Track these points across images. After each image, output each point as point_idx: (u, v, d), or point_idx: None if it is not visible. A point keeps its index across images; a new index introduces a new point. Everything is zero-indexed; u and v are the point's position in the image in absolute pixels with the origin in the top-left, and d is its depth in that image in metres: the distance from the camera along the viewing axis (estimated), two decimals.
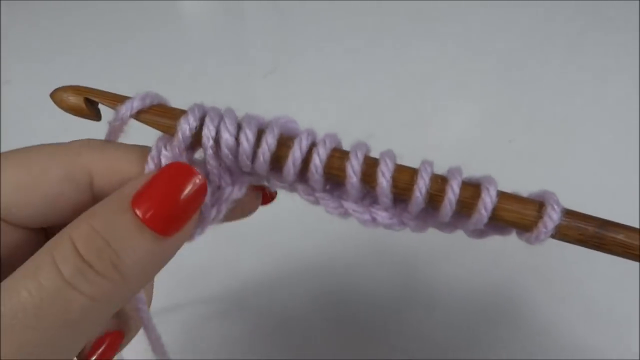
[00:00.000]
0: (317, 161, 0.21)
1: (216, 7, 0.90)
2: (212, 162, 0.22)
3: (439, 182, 0.21)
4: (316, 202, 0.23)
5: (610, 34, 0.78)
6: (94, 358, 0.25)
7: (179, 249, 0.21)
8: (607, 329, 0.44)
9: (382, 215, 0.22)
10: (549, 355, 0.43)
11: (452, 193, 0.20)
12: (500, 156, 0.60)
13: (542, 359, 0.43)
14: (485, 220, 0.20)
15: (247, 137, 0.21)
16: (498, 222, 0.21)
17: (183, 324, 0.46)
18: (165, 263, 0.21)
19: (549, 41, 0.77)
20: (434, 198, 0.21)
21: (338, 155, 0.22)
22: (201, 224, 0.23)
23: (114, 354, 0.27)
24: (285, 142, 0.22)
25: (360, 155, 0.21)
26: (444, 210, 0.20)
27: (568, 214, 0.21)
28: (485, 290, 0.47)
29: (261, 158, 0.21)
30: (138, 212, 0.19)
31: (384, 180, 0.20)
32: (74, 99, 0.23)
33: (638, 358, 0.42)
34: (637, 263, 0.21)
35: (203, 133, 0.22)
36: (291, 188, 0.23)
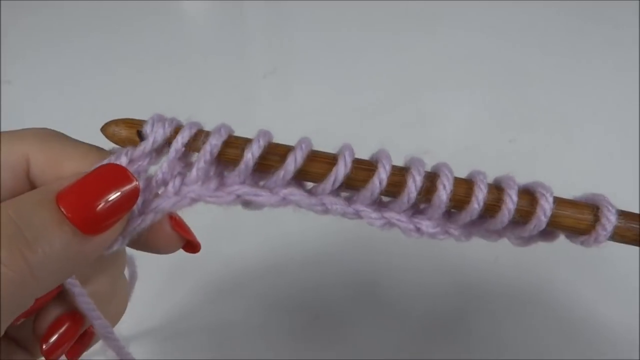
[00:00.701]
0: (377, 182, 0.21)
1: (216, 7, 0.90)
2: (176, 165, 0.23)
3: (496, 192, 0.21)
4: (356, 215, 0.23)
5: (610, 34, 0.77)
6: (51, 341, 0.24)
7: (98, 253, 0.21)
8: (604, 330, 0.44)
9: (426, 224, 0.22)
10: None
11: (511, 202, 0.20)
12: (500, 156, 0.60)
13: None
14: (544, 226, 0.21)
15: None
16: (555, 228, 0.21)
17: (177, 309, 0.46)
18: (81, 265, 0.21)
19: (549, 41, 0.77)
20: (491, 208, 0.21)
21: (397, 173, 0.22)
22: (124, 232, 0.22)
23: (82, 347, 0.26)
24: (367, 166, 0.22)
25: (422, 170, 0.21)
26: (501, 219, 0.21)
27: (623, 215, 0.21)
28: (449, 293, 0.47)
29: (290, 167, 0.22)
30: (62, 207, 0.19)
31: (444, 193, 0.21)
32: (126, 133, 0.23)
33: (638, 358, 0.42)
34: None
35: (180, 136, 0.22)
36: (323, 209, 0.23)
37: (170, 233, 0.25)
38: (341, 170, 0.21)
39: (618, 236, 0.21)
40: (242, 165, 0.22)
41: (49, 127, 0.24)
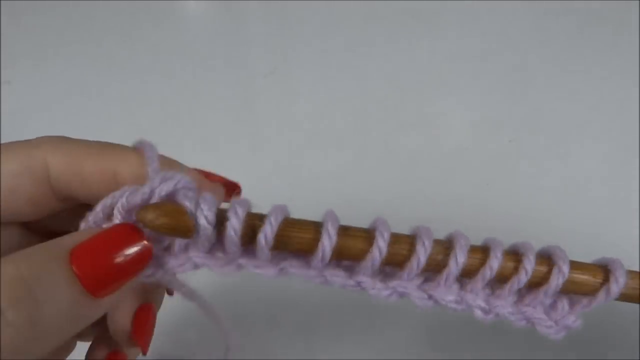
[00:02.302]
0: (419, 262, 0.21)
1: (216, 7, 0.90)
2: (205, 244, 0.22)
3: (514, 260, 0.21)
4: (360, 287, 0.22)
5: (610, 34, 0.77)
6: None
7: (101, 314, 0.21)
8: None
9: (441, 291, 0.22)
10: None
11: (525, 274, 0.21)
12: (500, 156, 0.60)
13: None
14: (555, 293, 0.22)
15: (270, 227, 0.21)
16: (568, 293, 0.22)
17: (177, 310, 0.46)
18: (86, 324, 0.20)
19: (549, 41, 0.77)
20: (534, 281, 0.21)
21: (400, 244, 0.22)
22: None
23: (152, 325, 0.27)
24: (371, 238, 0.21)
25: (428, 248, 0.21)
26: (512, 287, 0.21)
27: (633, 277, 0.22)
28: None
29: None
30: (74, 266, 0.18)
31: (455, 265, 0.21)
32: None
33: (638, 358, 0.42)
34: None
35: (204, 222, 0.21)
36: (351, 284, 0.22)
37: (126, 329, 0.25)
38: (327, 246, 0.20)
39: (623, 298, 0.22)
40: (259, 251, 0.21)
41: (63, 135, 0.24)
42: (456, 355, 0.44)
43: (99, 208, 0.22)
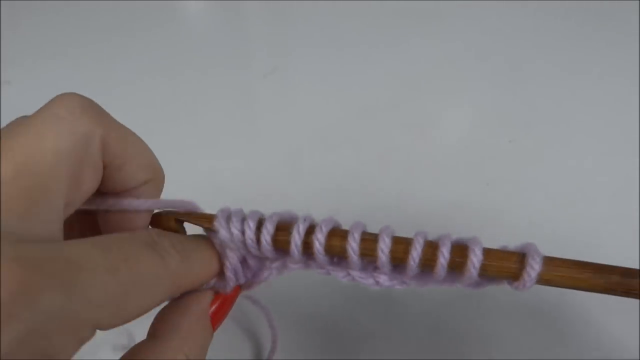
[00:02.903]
0: (317, 245, 0.24)
1: (216, 7, 0.90)
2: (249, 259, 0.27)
3: (431, 250, 0.24)
4: (327, 273, 0.26)
5: (610, 34, 0.77)
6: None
7: None
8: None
9: (383, 278, 0.25)
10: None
11: (443, 259, 0.23)
12: (500, 156, 0.60)
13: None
14: (476, 277, 0.23)
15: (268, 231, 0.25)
16: (488, 277, 0.24)
17: None
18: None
19: (549, 41, 0.77)
20: (428, 263, 0.24)
21: (339, 236, 0.25)
22: None
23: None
24: (286, 228, 0.25)
25: (357, 236, 0.24)
26: (438, 273, 0.24)
27: (548, 262, 0.23)
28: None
29: (265, 244, 0.25)
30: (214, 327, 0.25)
31: (383, 255, 0.24)
32: (166, 223, 0.27)
33: (638, 358, 0.42)
34: None
35: (246, 235, 0.25)
36: (306, 266, 0.26)
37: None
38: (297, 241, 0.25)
39: (543, 281, 0.23)
40: (318, 259, 0.25)
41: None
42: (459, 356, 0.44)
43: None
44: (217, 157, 0.60)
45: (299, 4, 0.86)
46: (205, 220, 0.26)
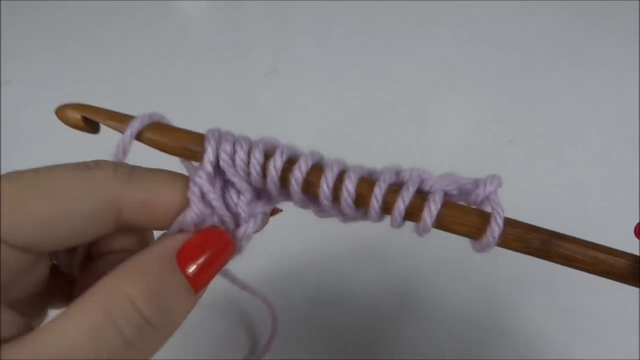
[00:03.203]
0: (297, 175, 0.23)
1: (216, 7, 0.90)
2: (242, 185, 0.23)
3: (393, 194, 0.23)
4: (306, 207, 0.25)
5: (610, 34, 0.78)
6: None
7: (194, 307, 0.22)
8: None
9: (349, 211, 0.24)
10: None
11: (403, 203, 0.22)
12: (500, 156, 0.60)
13: None
14: (430, 228, 0.22)
15: (276, 163, 0.23)
16: (445, 230, 0.23)
17: None
18: (185, 317, 0.22)
19: (548, 41, 0.77)
20: (387, 207, 0.23)
21: (366, 182, 0.24)
22: None
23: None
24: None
25: (355, 178, 0.23)
26: (394, 219, 0.23)
27: (512, 225, 0.22)
28: (478, 300, 0.47)
29: (272, 173, 0.23)
30: (183, 271, 0.20)
31: (376, 203, 0.23)
32: (72, 116, 0.24)
33: (638, 358, 0.42)
34: None
35: (237, 156, 0.23)
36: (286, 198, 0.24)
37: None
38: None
39: (504, 244, 0.22)
40: (294, 192, 0.23)
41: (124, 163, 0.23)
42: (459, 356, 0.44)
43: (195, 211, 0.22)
44: None
45: (299, 4, 0.86)
46: (167, 132, 0.24)
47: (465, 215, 0.22)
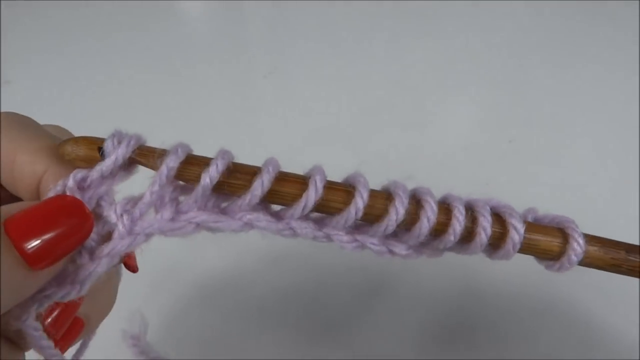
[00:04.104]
0: (360, 204, 0.21)
1: (216, 7, 0.90)
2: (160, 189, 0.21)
3: (470, 217, 0.21)
4: (328, 239, 0.22)
5: (610, 34, 0.77)
6: (48, 320, 0.22)
7: (38, 287, 0.20)
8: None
9: (399, 247, 0.22)
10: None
11: (484, 233, 0.21)
12: (500, 156, 0.60)
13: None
14: (515, 252, 0.21)
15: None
16: (528, 253, 0.21)
17: (162, 316, 0.45)
18: (24, 296, 0.19)
19: (548, 41, 0.77)
20: (467, 235, 0.21)
21: (378, 198, 0.21)
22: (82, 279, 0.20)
23: (75, 333, 0.24)
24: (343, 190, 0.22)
25: (405, 202, 0.21)
26: (474, 247, 0.21)
27: (594, 240, 0.21)
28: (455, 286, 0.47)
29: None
30: (10, 235, 0.18)
31: (427, 226, 0.21)
32: (84, 151, 0.21)
33: (638, 358, 0.42)
34: None
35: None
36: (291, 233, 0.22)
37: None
38: (312, 197, 0.21)
39: (586, 262, 0.21)
40: (199, 190, 0.21)
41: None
42: (457, 355, 0.44)
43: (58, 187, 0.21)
44: None
45: (299, 4, 0.86)
46: None
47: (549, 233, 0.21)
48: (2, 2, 0.85)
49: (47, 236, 0.18)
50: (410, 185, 0.22)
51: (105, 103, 0.66)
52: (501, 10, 0.82)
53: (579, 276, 0.48)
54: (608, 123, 0.63)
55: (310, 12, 0.85)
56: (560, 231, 0.21)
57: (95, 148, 0.21)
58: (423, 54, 0.75)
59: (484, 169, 0.58)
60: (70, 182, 0.21)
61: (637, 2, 0.81)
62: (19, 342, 0.22)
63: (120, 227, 0.21)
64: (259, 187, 0.21)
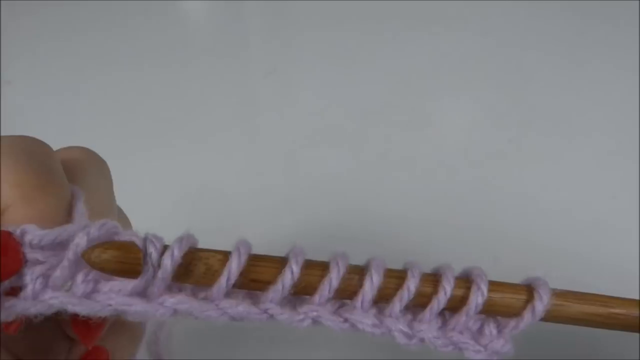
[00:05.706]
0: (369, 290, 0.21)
1: (216, 7, 0.90)
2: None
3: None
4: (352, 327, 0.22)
5: (610, 34, 0.77)
6: None
7: None
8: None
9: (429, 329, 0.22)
10: None
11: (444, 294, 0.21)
12: (500, 156, 0.60)
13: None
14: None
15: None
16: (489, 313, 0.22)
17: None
18: None
19: (548, 41, 0.77)
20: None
21: (394, 276, 0.21)
22: None
23: None
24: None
25: (418, 275, 0.21)
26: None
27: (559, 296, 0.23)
28: None
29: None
30: None
31: (444, 298, 0.21)
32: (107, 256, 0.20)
33: (638, 358, 0.42)
34: None
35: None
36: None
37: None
38: (234, 269, 0.20)
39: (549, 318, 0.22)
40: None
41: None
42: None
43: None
44: (216, 157, 0.60)
45: (299, 4, 0.86)
46: None
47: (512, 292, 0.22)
48: (2, 2, 0.85)
49: None
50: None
51: (106, 103, 0.66)
52: (501, 10, 0.82)
53: (578, 276, 0.48)
54: (608, 122, 0.63)
55: (310, 13, 0.85)
56: (525, 287, 0.22)
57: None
58: (423, 54, 0.75)
59: (484, 169, 0.58)
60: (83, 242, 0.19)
61: (637, 2, 0.81)
62: None
63: (29, 289, 0.19)
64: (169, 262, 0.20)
